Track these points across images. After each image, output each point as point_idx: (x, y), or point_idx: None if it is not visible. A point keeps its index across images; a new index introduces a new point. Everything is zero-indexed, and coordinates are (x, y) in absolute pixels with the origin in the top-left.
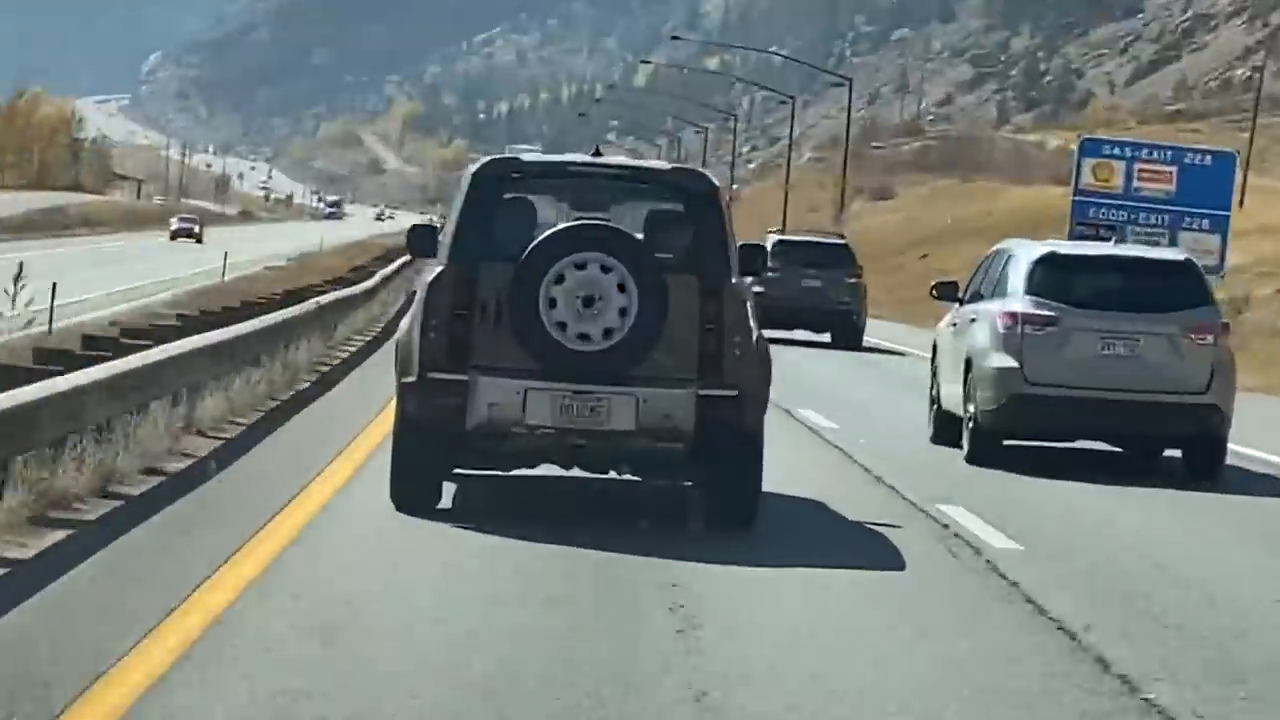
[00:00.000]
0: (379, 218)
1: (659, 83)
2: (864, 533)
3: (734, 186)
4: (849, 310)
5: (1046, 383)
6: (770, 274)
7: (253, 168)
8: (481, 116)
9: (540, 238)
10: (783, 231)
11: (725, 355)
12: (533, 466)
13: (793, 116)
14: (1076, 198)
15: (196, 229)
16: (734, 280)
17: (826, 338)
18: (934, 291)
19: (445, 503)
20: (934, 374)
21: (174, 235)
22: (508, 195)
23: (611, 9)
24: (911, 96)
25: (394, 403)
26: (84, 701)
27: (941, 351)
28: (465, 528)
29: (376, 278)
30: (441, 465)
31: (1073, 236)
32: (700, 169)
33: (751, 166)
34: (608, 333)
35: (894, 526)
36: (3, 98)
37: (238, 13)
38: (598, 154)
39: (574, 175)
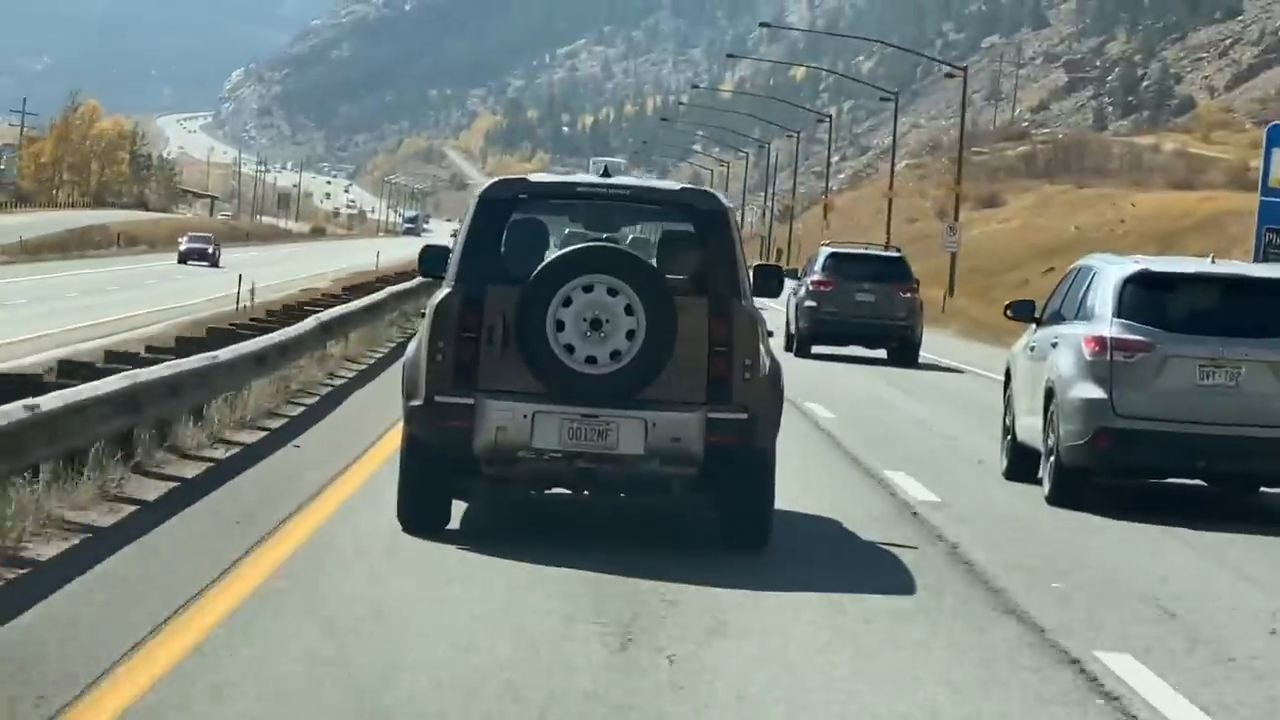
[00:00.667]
0: (454, 234)
1: (745, 93)
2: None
3: (824, 194)
4: (905, 325)
5: (1138, 416)
6: (823, 288)
7: (329, 182)
8: (565, 129)
9: (547, 260)
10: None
11: (735, 377)
12: (542, 490)
13: (895, 113)
14: (1266, 198)
15: (210, 249)
16: (744, 302)
17: (882, 354)
18: (1008, 311)
19: (454, 524)
20: (1007, 402)
21: (183, 258)
22: (516, 217)
23: (697, 21)
24: (1005, 104)
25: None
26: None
27: (1017, 378)
28: (470, 549)
29: (311, 322)
30: (448, 488)
31: (1260, 245)
32: (710, 189)
33: (842, 176)
34: (615, 355)
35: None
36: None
37: (320, 28)
38: (606, 174)
39: (583, 196)
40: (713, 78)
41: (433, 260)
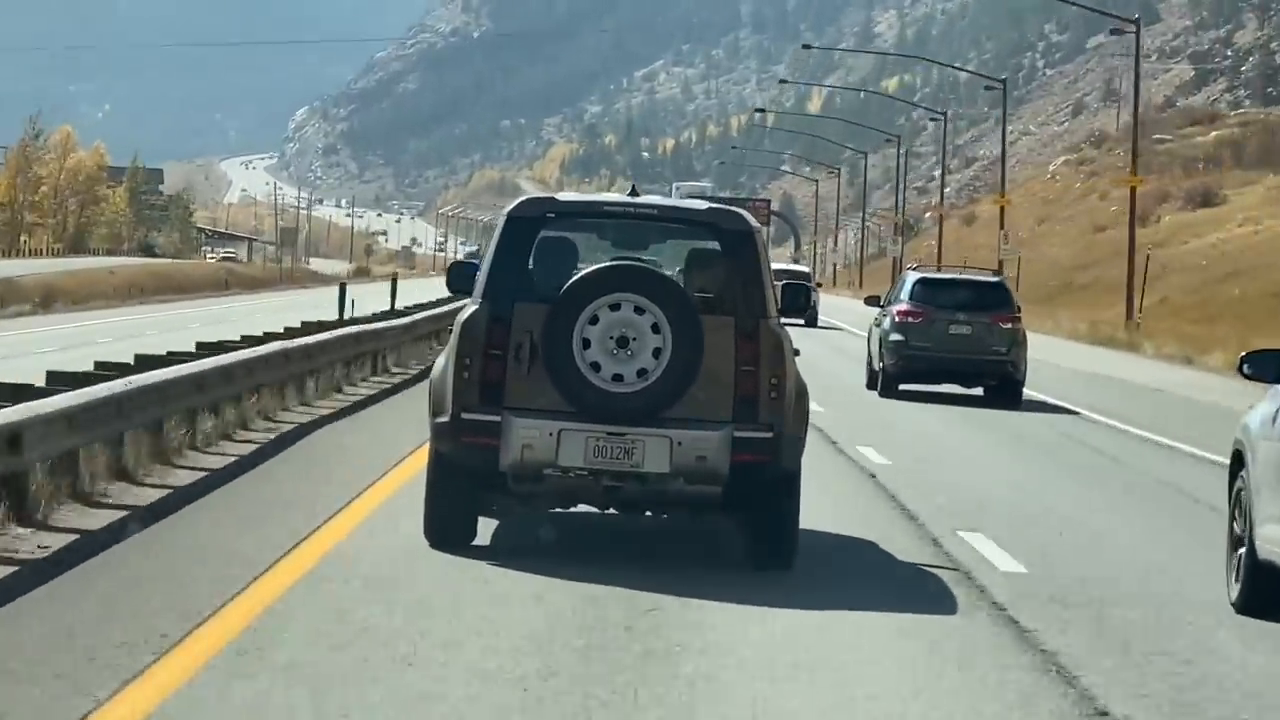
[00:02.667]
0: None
1: (834, 108)
2: None
3: (999, 197)
4: (1005, 361)
5: None
6: (911, 319)
7: (379, 215)
8: (645, 154)
9: (574, 278)
10: (926, 267)
11: (761, 396)
12: (567, 508)
13: (1138, 58)
14: None
15: None
16: (771, 320)
17: (978, 392)
18: (1244, 366)
19: (482, 539)
20: (1238, 500)
21: None
22: (544, 235)
23: (779, 36)
24: (1124, 104)
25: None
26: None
27: (1257, 466)
28: (497, 565)
29: None
30: (474, 505)
31: None
32: (737, 209)
33: (948, 191)
34: (642, 373)
35: None
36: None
37: (385, 61)
38: (634, 193)
39: (610, 215)
40: (799, 93)
41: (460, 277)
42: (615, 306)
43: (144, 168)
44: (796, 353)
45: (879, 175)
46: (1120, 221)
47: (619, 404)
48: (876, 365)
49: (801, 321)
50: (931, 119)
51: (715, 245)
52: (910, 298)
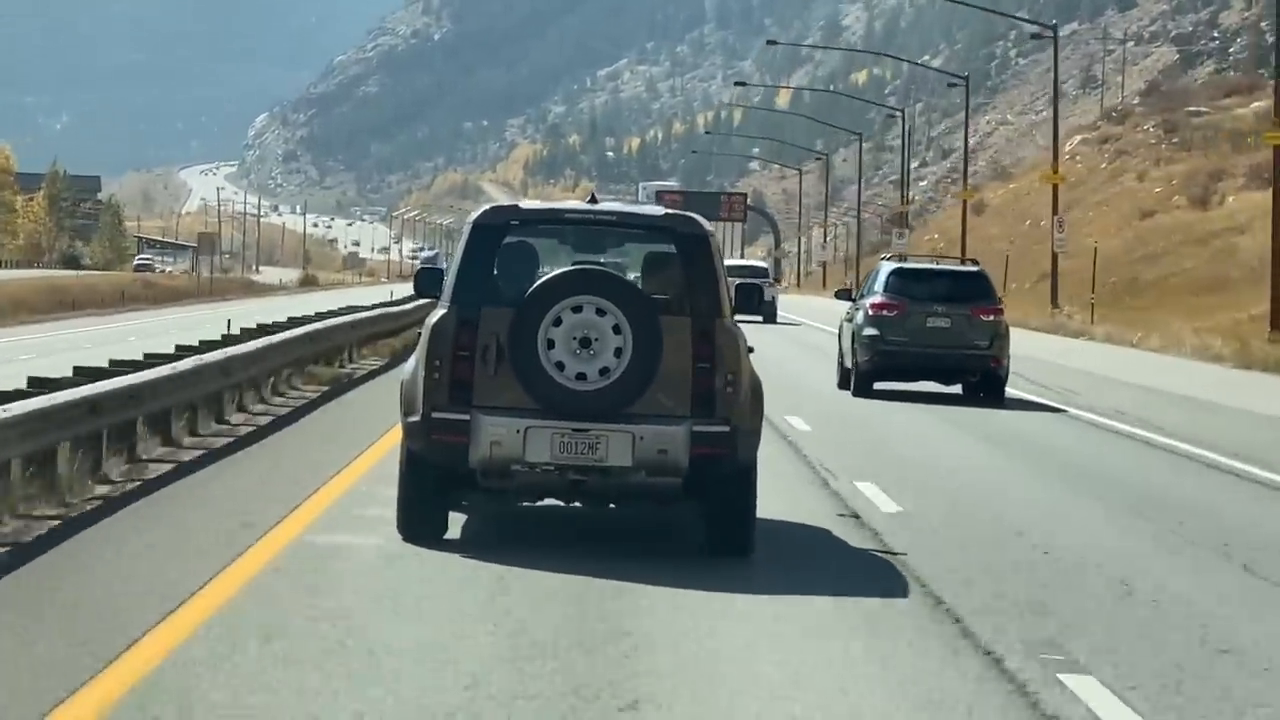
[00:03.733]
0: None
1: (802, 105)
2: None
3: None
4: (985, 355)
5: None
6: (886, 313)
7: (350, 224)
8: (610, 154)
9: (538, 282)
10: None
11: (717, 391)
12: (535, 501)
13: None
14: None
15: None
16: (725, 320)
17: (957, 389)
18: None
19: (454, 533)
20: None
21: None
22: (508, 241)
23: (744, 31)
24: (1105, 90)
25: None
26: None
27: None
28: (469, 557)
29: None
30: (446, 500)
31: None
32: (692, 215)
33: (923, 184)
34: (604, 372)
35: None
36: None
37: (345, 64)
38: (594, 201)
39: (571, 222)
40: (766, 89)
41: (429, 281)
42: (578, 308)
43: (67, 174)
44: (750, 350)
45: (851, 169)
46: (1171, 205)
47: (583, 401)
48: (849, 363)
49: (759, 319)
50: (950, 84)
51: (671, 248)
52: (885, 289)
